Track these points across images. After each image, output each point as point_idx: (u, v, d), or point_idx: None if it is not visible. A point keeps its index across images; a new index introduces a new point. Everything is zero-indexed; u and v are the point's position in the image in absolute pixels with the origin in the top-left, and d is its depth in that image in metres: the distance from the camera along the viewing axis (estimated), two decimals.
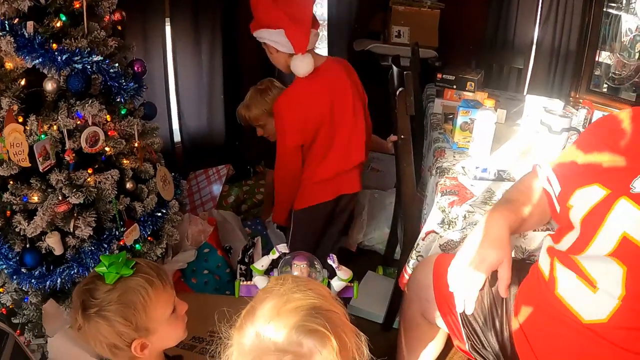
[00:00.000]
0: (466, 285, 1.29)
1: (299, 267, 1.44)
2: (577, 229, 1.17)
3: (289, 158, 2.22)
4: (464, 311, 1.33)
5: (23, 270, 1.71)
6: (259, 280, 1.51)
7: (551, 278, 1.21)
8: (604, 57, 3.09)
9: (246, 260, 2.42)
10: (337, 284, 1.51)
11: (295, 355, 0.93)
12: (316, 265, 1.48)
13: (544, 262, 1.26)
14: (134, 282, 1.21)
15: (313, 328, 0.93)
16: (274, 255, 1.48)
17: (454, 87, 2.43)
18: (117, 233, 1.87)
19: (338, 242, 2.56)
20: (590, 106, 2.19)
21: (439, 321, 1.49)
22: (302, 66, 2.04)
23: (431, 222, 1.69)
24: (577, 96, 2.81)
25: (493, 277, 1.34)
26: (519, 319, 1.30)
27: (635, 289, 1.07)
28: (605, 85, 3.11)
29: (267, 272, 1.53)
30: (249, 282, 1.54)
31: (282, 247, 1.47)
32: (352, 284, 1.53)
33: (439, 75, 2.46)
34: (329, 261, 1.41)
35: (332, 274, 1.52)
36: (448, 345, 1.74)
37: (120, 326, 1.18)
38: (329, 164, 2.24)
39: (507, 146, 2.06)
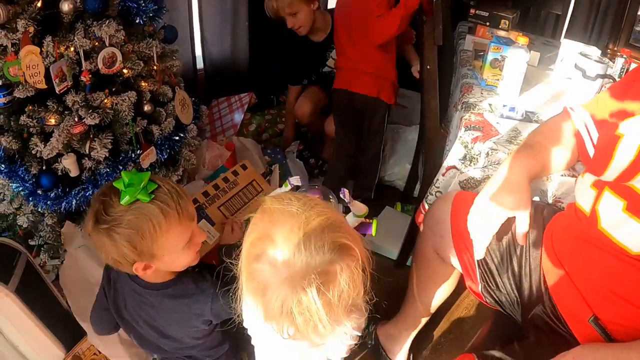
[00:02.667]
0: (480, 231, 1.24)
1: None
2: (627, 156, 1.10)
3: None
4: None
5: (39, 192, 1.70)
6: None
7: (593, 213, 1.15)
8: None
9: None
10: (351, 220, 1.41)
11: (324, 274, 0.90)
12: (331, 199, 1.40)
13: (584, 198, 1.20)
14: (149, 210, 1.13)
15: (341, 243, 0.91)
16: (286, 188, 1.38)
17: (487, 24, 2.29)
18: (133, 156, 1.83)
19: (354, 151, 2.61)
20: (629, 55, 2.03)
21: (453, 259, 1.44)
22: None
23: (452, 157, 1.63)
24: (615, 49, 2.63)
25: (512, 222, 1.28)
26: (551, 255, 1.25)
27: None
28: None
29: None
30: None
31: (295, 180, 1.38)
32: (370, 221, 1.44)
33: (472, 11, 2.31)
34: (341, 195, 1.33)
35: (346, 209, 1.44)
36: (457, 291, 1.71)
37: (124, 249, 1.13)
38: (345, 57, 2.37)
39: (537, 89, 1.95)
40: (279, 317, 0.94)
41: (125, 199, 1.11)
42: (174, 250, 1.20)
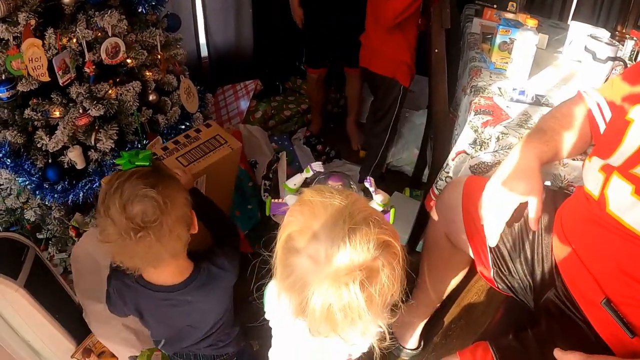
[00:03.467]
0: (492, 217, 1.22)
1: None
2: (636, 141, 1.09)
3: None
4: None
5: (45, 185, 1.68)
6: (291, 199, 1.39)
7: (601, 197, 1.13)
8: None
9: (270, 175, 2.35)
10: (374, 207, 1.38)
11: (370, 270, 0.87)
12: (352, 186, 1.36)
13: (592, 182, 1.18)
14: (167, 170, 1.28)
15: (385, 240, 0.88)
16: (307, 173, 1.35)
17: (494, 6, 2.24)
18: (139, 146, 1.80)
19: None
20: (639, 37, 1.98)
21: (465, 245, 1.43)
22: None
23: (462, 141, 1.59)
24: (624, 31, 2.58)
25: (523, 208, 1.26)
26: (562, 237, 1.23)
27: None
28: None
29: (299, 191, 1.42)
30: (280, 200, 1.42)
31: (317, 166, 1.34)
32: (388, 210, 1.41)
33: None
34: (366, 184, 1.29)
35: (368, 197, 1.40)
36: (467, 277, 1.69)
37: (184, 191, 1.22)
38: (368, 36, 2.39)
39: (546, 72, 1.90)
40: (317, 315, 0.90)
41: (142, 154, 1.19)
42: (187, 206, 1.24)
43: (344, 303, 0.86)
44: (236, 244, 1.48)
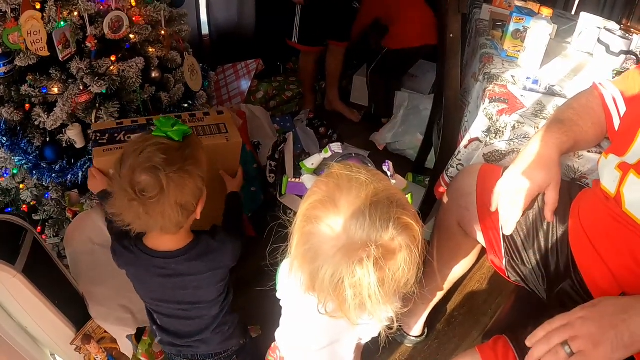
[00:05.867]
0: (510, 206, 1.20)
1: None
2: None
3: None
4: None
5: (43, 164, 1.58)
6: (308, 179, 1.33)
7: (618, 195, 1.11)
8: None
9: (276, 156, 2.25)
10: None
11: (386, 250, 0.82)
12: (371, 168, 1.28)
13: (609, 179, 1.16)
14: (196, 139, 1.22)
15: (406, 222, 0.83)
16: (326, 154, 1.29)
17: None
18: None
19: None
20: None
21: (478, 233, 1.38)
22: None
23: (475, 129, 1.53)
24: (629, 24, 2.50)
25: (540, 196, 1.25)
26: (580, 231, 1.19)
27: None
28: None
29: (316, 171, 1.36)
30: (297, 180, 1.36)
31: (336, 147, 1.28)
32: (407, 195, 1.32)
33: None
34: (384, 167, 1.22)
35: None
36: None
37: (199, 181, 1.14)
38: None
39: (556, 62, 1.83)
40: (326, 288, 0.85)
41: (177, 133, 1.14)
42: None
43: (356, 279, 0.82)
44: (241, 230, 1.44)
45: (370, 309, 0.86)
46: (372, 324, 1.03)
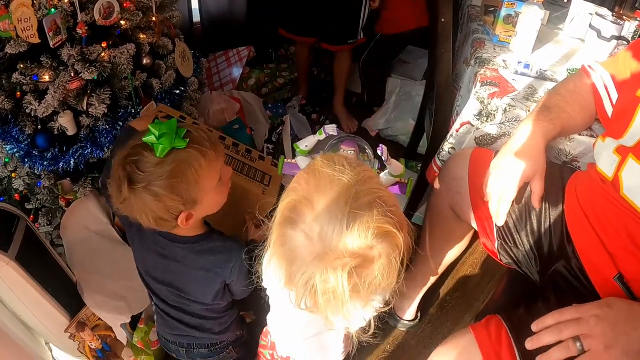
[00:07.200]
0: (499, 197, 1.19)
1: (346, 153, 1.22)
2: None
3: None
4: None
5: (35, 152, 1.54)
6: (302, 161, 1.31)
7: (615, 179, 1.11)
8: None
9: (273, 139, 2.23)
10: (386, 178, 1.28)
11: (363, 260, 0.79)
12: (367, 151, 1.26)
13: (606, 163, 1.15)
14: (187, 155, 1.04)
15: (387, 230, 0.79)
16: (320, 136, 1.25)
17: None
18: (133, 111, 1.67)
19: None
20: None
21: (470, 216, 1.38)
22: None
23: (467, 113, 1.52)
24: (622, 12, 2.49)
25: (527, 187, 1.24)
26: (577, 212, 1.19)
27: None
28: None
29: (311, 153, 1.33)
30: (292, 161, 1.34)
31: (331, 129, 1.23)
32: (405, 181, 1.30)
33: None
34: (379, 152, 1.19)
35: (382, 166, 1.30)
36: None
37: (169, 201, 1.04)
38: None
39: (547, 48, 1.81)
40: (301, 290, 0.83)
41: (161, 149, 1.01)
42: (211, 190, 1.12)
43: (329, 287, 0.79)
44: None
45: (344, 314, 0.84)
46: (357, 317, 1.01)
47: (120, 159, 1.05)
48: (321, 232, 0.79)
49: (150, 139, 1.02)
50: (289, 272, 0.85)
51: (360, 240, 0.77)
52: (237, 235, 1.29)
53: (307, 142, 1.29)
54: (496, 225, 1.29)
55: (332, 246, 0.78)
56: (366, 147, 1.25)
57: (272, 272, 0.97)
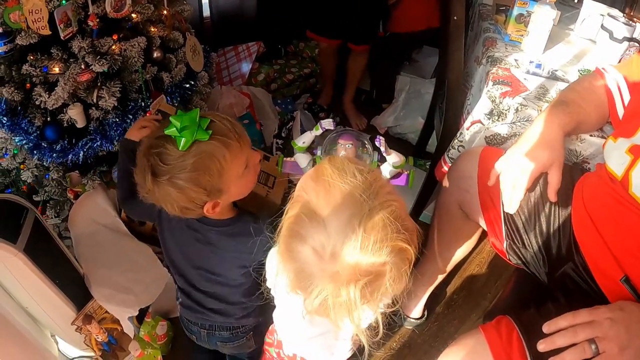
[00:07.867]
0: (513, 184, 1.19)
1: (344, 147, 1.20)
2: None
3: None
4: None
5: (44, 144, 1.53)
6: (300, 158, 1.29)
7: (625, 178, 1.10)
8: None
9: (283, 134, 2.21)
10: (387, 169, 1.26)
11: (375, 276, 0.78)
12: (366, 145, 1.23)
13: (617, 162, 1.14)
14: (210, 147, 1.02)
15: (401, 247, 0.78)
16: (317, 131, 1.23)
17: None
18: (142, 104, 1.65)
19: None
20: None
21: (478, 215, 1.37)
22: None
23: (478, 111, 1.51)
24: (632, 14, 2.46)
25: (542, 179, 1.24)
26: (583, 213, 1.18)
27: None
28: None
29: (309, 149, 1.31)
30: (292, 159, 1.32)
31: (327, 124, 1.21)
32: (407, 172, 1.28)
33: None
34: (376, 143, 1.18)
35: (382, 158, 1.28)
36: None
37: (192, 193, 1.03)
38: None
39: (559, 48, 1.79)
40: (310, 302, 0.83)
41: (183, 142, 0.99)
42: (237, 178, 1.10)
43: (341, 300, 0.79)
44: None
45: (352, 320, 0.83)
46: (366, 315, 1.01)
47: (144, 150, 1.04)
48: (333, 251, 0.77)
49: (172, 131, 1.00)
50: (298, 285, 0.84)
51: (374, 258, 0.76)
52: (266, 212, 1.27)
53: (304, 139, 1.27)
54: (505, 225, 1.28)
55: (345, 265, 0.77)
56: (365, 141, 1.23)
57: (280, 279, 0.95)
